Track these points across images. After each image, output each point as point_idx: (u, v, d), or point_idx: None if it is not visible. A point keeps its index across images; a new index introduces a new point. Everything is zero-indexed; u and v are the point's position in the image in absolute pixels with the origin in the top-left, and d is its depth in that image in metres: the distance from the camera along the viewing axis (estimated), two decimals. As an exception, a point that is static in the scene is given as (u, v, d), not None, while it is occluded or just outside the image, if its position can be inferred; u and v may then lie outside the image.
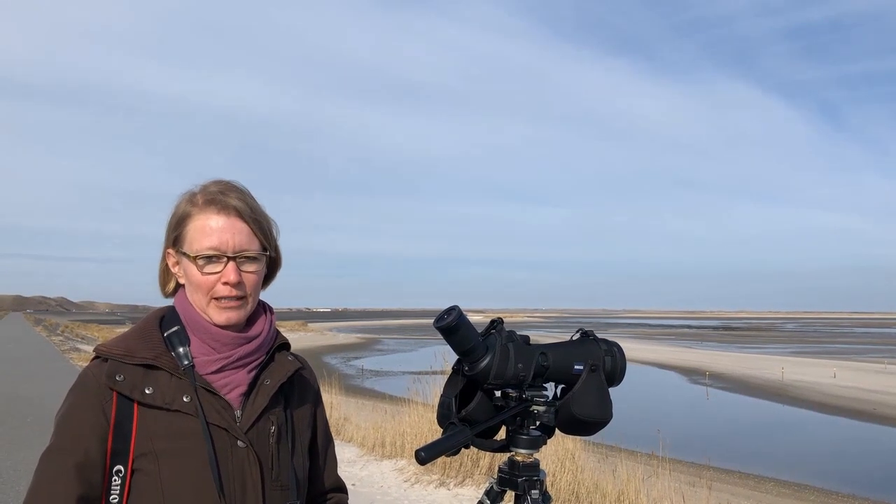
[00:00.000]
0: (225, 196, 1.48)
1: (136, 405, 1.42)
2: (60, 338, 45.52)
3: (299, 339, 55.41)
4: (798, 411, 25.18)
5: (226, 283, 1.45)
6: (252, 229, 1.49)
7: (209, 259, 1.46)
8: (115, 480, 1.40)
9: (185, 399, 1.43)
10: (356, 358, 47.94)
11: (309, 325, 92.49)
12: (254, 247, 1.49)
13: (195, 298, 1.49)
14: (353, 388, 23.81)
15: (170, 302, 1.58)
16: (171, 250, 1.52)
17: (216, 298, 1.47)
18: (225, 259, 1.46)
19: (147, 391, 1.42)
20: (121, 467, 1.40)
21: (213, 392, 1.45)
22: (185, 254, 1.48)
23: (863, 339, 78.41)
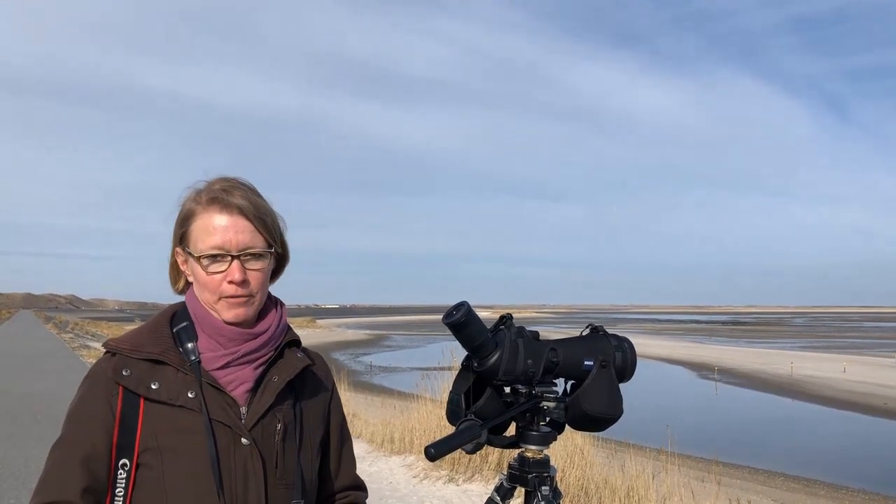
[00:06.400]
0: (228, 194, 1.47)
1: (142, 400, 1.42)
2: (70, 335, 45.72)
3: (308, 335, 55.40)
4: (808, 406, 25.10)
5: (231, 282, 1.45)
6: (256, 227, 1.48)
7: (214, 258, 1.45)
8: (120, 474, 1.41)
9: (189, 395, 1.43)
10: (364, 354, 48.05)
11: (317, 321, 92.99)
12: (258, 244, 1.48)
13: (204, 297, 1.49)
14: (361, 385, 23.83)
15: (182, 298, 1.58)
16: (178, 249, 1.52)
17: (224, 297, 1.47)
18: (229, 258, 1.46)
19: (153, 386, 1.43)
20: (126, 461, 1.41)
21: (218, 388, 1.45)
22: (190, 253, 1.48)
23: (873, 333, 78.04)
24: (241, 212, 1.47)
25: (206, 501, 1.40)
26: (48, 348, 31.65)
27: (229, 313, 1.47)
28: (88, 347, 32.58)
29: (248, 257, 1.47)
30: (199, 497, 1.40)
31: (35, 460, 8.36)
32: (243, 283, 1.46)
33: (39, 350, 30.14)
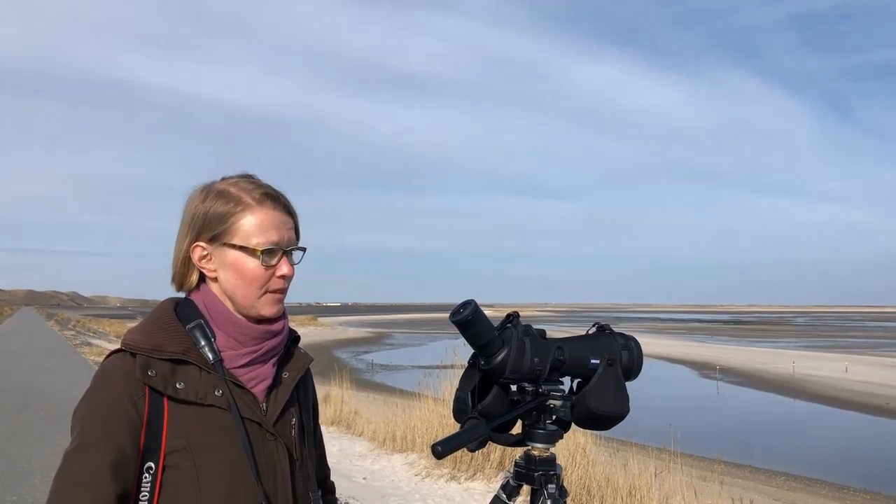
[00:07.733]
0: (276, 191, 1.52)
1: (165, 400, 1.40)
2: (72, 332, 45.77)
3: (309, 333, 55.55)
4: (809, 406, 25.09)
5: (281, 277, 1.48)
6: (296, 224, 1.54)
7: (271, 253, 1.46)
8: (145, 478, 1.37)
9: (217, 393, 1.42)
10: (366, 352, 48.08)
11: (318, 319, 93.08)
12: (297, 241, 1.53)
13: (248, 292, 1.47)
14: (363, 383, 23.85)
15: (176, 295, 1.55)
16: (203, 244, 1.48)
17: (270, 291, 1.48)
18: (280, 253, 1.48)
19: (179, 386, 1.40)
20: (152, 464, 1.38)
21: (241, 386, 1.46)
22: (242, 247, 1.45)
23: (875, 333, 78.01)
24: (288, 209, 1.52)
25: (239, 496, 1.41)
26: (50, 346, 31.68)
27: (272, 308, 1.49)
28: (90, 345, 32.66)
29: (292, 254, 1.51)
30: (233, 494, 1.41)
31: (38, 457, 8.37)
32: (289, 277, 1.50)
33: (41, 347, 30.17)
